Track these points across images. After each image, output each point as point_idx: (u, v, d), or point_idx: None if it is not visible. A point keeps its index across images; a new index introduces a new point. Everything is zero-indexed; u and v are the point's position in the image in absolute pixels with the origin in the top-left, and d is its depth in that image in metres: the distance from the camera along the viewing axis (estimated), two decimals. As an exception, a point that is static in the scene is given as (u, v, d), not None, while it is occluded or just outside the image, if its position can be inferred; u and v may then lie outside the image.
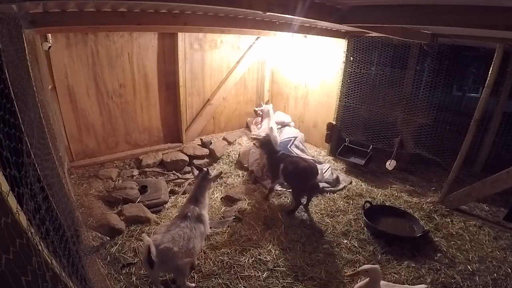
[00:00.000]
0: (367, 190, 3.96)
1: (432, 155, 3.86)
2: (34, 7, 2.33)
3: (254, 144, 4.56)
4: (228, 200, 3.65)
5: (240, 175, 4.30)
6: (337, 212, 3.47)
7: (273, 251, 2.80)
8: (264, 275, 2.52)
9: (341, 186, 3.98)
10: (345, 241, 2.98)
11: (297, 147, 4.66)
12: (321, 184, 3.71)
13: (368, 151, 4.38)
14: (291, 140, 4.68)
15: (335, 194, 3.83)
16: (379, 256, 2.79)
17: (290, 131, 4.93)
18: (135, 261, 2.58)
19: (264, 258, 2.71)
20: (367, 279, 1.97)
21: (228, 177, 4.24)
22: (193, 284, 2.37)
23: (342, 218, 3.34)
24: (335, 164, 4.66)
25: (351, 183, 4.10)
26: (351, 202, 3.68)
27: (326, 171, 4.09)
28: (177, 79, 4.53)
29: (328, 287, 2.43)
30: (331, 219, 3.33)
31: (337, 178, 4.07)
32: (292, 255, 2.76)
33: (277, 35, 4.87)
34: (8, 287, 0.74)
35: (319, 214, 3.42)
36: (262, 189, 3.85)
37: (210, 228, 3.03)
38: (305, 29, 3.91)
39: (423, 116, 3.87)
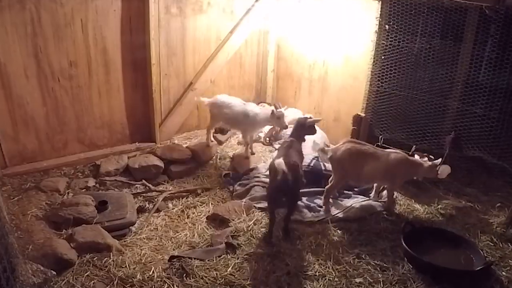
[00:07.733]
0: (408, 207, 3.98)
1: (496, 159, 3.87)
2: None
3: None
4: (216, 220, 3.67)
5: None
6: (368, 237, 3.49)
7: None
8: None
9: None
10: (380, 276, 2.99)
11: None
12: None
13: (410, 153, 4.37)
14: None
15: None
16: (424, 297, 2.80)
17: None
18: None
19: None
20: None
21: (216, 188, 4.27)
22: None
23: (374, 246, 3.35)
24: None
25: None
26: (386, 223, 3.69)
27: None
28: (148, 56, 4.55)
29: None
30: (360, 247, 3.34)
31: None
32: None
33: (285, -5, 4.89)
34: None
35: (345, 243, 3.44)
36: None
37: (193, 258, 3.04)
38: (323, -13, 3.93)
39: (485, 106, 3.88)
